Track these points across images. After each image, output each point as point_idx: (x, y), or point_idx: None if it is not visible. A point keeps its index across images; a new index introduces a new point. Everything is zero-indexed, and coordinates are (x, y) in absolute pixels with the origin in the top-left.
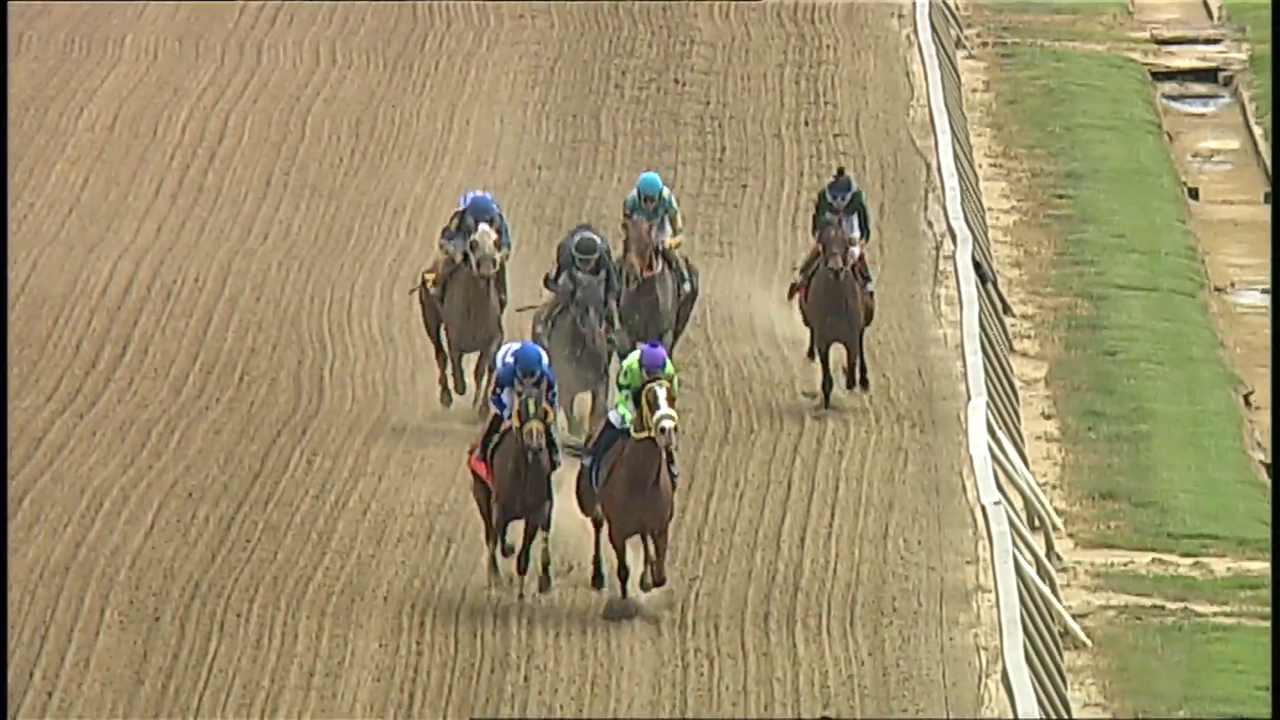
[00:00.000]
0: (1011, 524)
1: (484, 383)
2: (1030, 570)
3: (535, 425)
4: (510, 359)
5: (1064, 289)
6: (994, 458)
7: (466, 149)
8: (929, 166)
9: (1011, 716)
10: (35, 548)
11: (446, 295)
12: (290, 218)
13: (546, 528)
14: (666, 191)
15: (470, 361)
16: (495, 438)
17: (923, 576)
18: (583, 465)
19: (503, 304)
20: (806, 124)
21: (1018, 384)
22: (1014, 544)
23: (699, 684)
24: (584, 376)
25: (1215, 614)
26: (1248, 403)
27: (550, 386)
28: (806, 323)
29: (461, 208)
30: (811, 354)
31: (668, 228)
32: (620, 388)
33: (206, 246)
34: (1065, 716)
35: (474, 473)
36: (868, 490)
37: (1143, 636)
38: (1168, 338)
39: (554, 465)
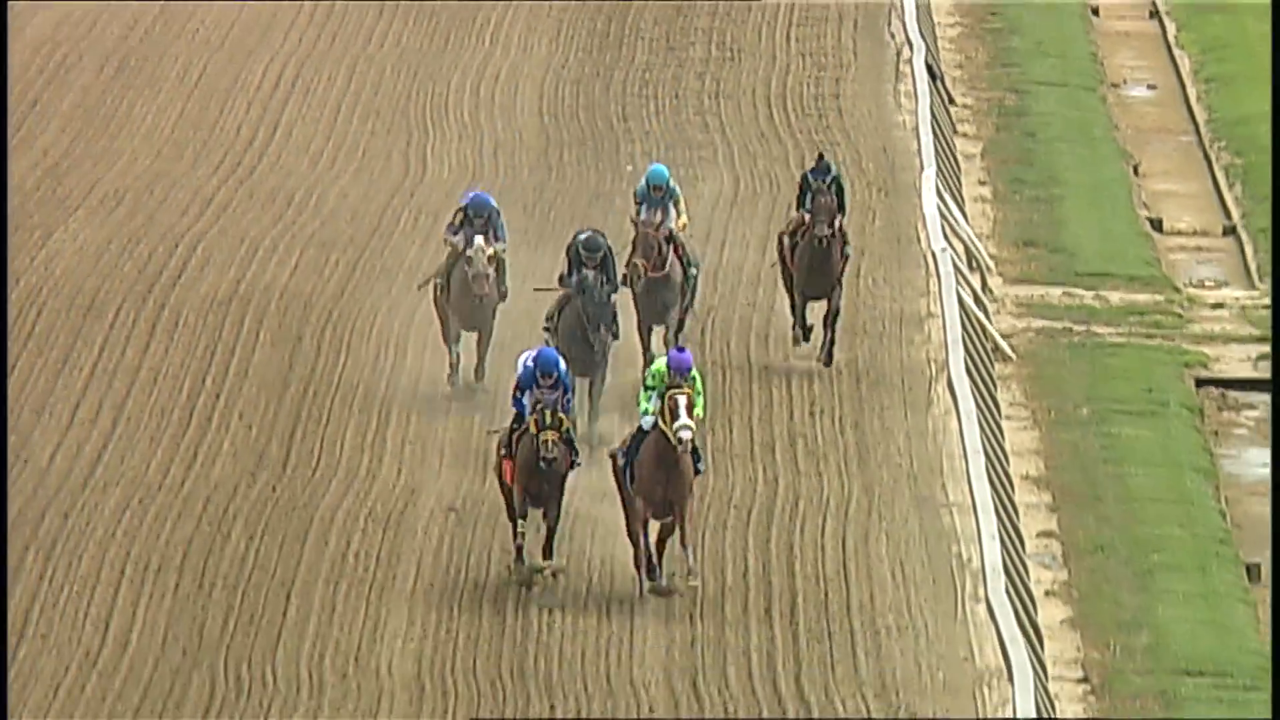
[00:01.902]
0: (955, 265)
1: (485, 354)
2: (969, 300)
3: (550, 435)
4: (530, 363)
5: (995, 85)
6: (941, 215)
7: None
8: None
9: (955, 418)
10: (205, 285)
11: (450, 284)
12: (400, 30)
13: (556, 523)
14: (673, 181)
15: (469, 340)
16: (516, 436)
17: (886, 306)
18: (617, 466)
19: (502, 295)
20: None
21: (960, 158)
22: (957, 280)
23: (714, 392)
24: (583, 369)
25: (1110, 334)
26: (1136, 172)
27: (567, 391)
28: (788, 286)
29: (463, 204)
30: (793, 309)
31: (672, 213)
32: (646, 388)
33: (336, 53)
34: (995, 412)
35: (499, 465)
36: None
37: (1055, 351)
38: (1075, 122)
39: (574, 464)
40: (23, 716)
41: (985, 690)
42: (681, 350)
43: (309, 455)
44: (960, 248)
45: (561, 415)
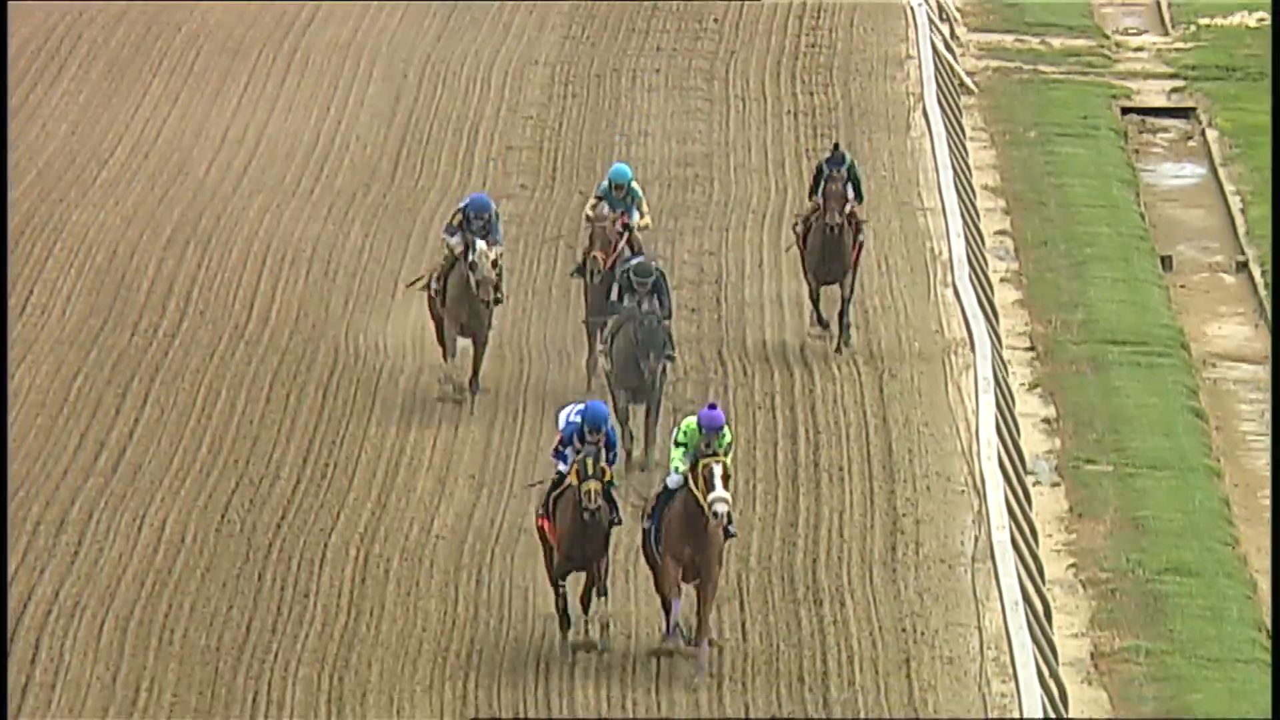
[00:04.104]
0: (929, 16)
1: (480, 360)
2: (940, 45)
3: (593, 485)
4: (576, 417)
5: None
6: None
7: None
8: None
9: (926, 137)
10: (329, 34)
11: (447, 287)
12: None
13: (603, 593)
14: (634, 182)
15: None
16: (556, 493)
17: (874, 50)
18: (645, 530)
19: (498, 300)
20: None
21: None
22: (930, 29)
23: (735, 120)
24: (637, 395)
25: (1053, 73)
26: None
27: (612, 446)
28: (804, 270)
29: (462, 205)
30: (811, 295)
31: (634, 213)
32: (677, 444)
33: None
34: (961, 134)
35: (540, 530)
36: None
37: (1008, 86)
38: None
39: (614, 522)
40: (185, 376)
41: (952, 357)
42: (713, 408)
43: (413, 170)
44: (933, 1)
45: (604, 466)
